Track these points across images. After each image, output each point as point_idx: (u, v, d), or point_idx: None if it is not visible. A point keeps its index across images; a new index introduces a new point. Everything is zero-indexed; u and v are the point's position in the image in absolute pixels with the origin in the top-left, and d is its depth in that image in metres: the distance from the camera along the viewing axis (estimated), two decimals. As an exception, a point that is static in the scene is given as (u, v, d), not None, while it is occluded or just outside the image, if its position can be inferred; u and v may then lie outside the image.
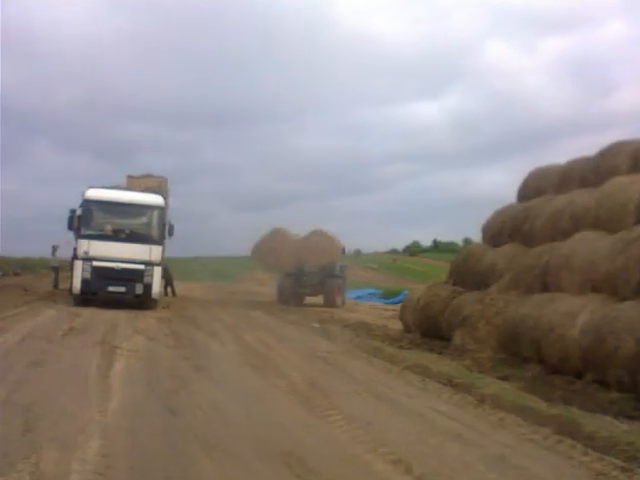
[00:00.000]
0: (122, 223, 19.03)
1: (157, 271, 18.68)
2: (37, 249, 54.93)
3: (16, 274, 37.97)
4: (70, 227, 18.73)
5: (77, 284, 18.15)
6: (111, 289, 18.27)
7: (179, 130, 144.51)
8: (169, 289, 26.00)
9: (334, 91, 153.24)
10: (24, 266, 43.14)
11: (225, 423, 6.09)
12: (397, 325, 15.85)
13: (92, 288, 18.15)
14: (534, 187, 13.55)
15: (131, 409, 6.43)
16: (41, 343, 10.46)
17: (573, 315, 9.05)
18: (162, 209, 19.39)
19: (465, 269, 13.99)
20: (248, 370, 9.24)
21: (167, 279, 25.25)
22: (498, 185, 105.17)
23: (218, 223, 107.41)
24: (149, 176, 23.54)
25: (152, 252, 18.61)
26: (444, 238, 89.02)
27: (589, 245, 9.89)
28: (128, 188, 21.14)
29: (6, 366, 8.29)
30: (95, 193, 18.84)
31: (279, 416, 6.54)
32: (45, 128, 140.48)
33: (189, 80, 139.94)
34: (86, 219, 18.50)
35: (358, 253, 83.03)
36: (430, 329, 13.34)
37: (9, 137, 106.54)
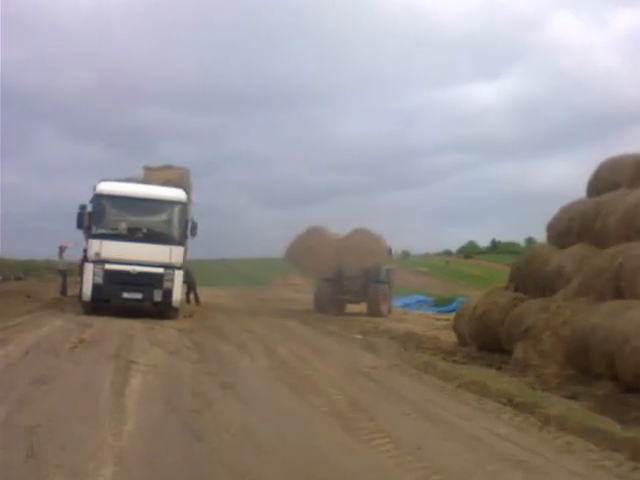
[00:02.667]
0: (138, 221, 19.25)
1: (178, 275, 18.89)
2: (42, 250, 55.74)
3: (18, 278, 38.72)
4: (79, 225, 18.96)
5: (87, 290, 18.41)
6: (126, 295, 18.50)
7: (202, 115, 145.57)
8: (192, 296, 26.24)
9: (378, 71, 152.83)
10: (27, 269, 43.92)
11: (255, 448, 6.15)
12: (450, 337, 15.77)
13: (104, 294, 18.40)
14: (606, 180, 13.35)
15: (149, 432, 6.53)
16: (47, 357, 10.64)
17: (651, 325, 8.92)
18: (184, 205, 19.56)
19: (528, 273, 13.86)
20: (281, 388, 9.31)
21: (189, 284, 25.50)
22: (565, 178, 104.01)
23: (248, 220, 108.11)
24: (169, 167, 23.77)
25: (172, 254, 18.80)
26: (504, 238, 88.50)
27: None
28: (145, 181, 21.33)
29: (7, 383, 8.42)
30: (108, 187, 19.08)
31: (316, 440, 6.59)
32: (50, 113, 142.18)
33: (213, 59, 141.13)
34: (98, 216, 18.76)
35: (406, 255, 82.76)
36: (488, 341, 13.26)
37: (10, 123, 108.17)
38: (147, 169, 23.41)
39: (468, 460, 6.03)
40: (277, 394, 8.90)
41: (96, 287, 18.30)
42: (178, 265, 18.98)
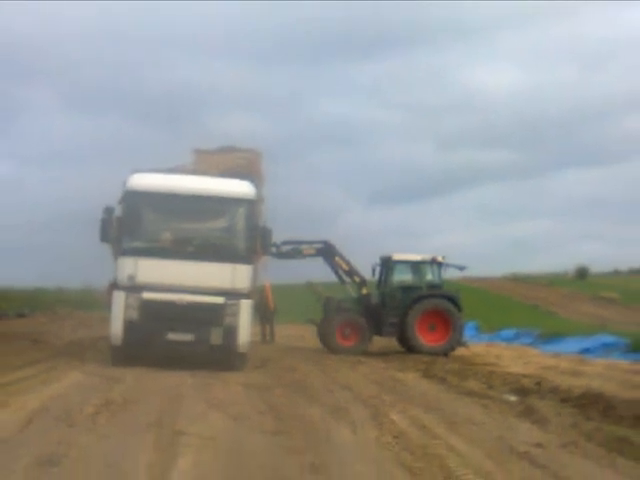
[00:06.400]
0: (188, 229, 19.64)
1: (245, 307, 19.00)
2: (53, 274, 57.09)
3: (20, 315, 39.90)
4: (105, 237, 19.25)
5: (117, 330, 18.63)
6: (172, 337, 18.67)
7: (277, 70, 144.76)
8: (267, 328, 26.88)
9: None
10: (34, 303, 45.22)
11: None
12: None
13: (141, 336, 18.55)
14: None
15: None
16: (58, 427, 10.80)
17: None
18: (252, 204, 19.70)
19: None
20: (398, 474, 9.21)
21: (263, 313, 26.16)
22: None
23: (344, 225, 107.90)
24: (230, 150, 23.97)
25: (237, 275, 18.95)
26: None
27: None
28: (196, 170, 21.53)
29: (2, 465, 8.56)
30: (143, 181, 19.37)
31: None
32: (51, 72, 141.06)
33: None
34: (130, 223, 19.04)
35: (583, 273, 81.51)
36: None
37: None
38: (199, 153, 23.66)
39: None
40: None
41: (130, 325, 18.53)
42: (245, 292, 19.11)
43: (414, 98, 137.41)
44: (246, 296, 19.10)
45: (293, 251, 26.99)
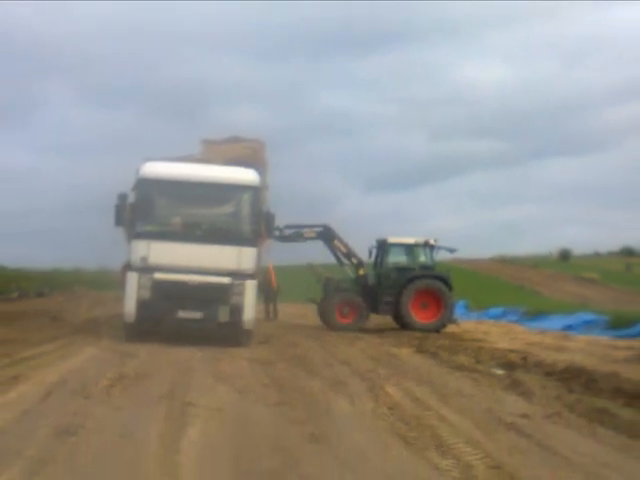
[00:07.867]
0: (196, 214, 19.56)
1: (250, 287, 18.99)
2: (70, 256, 57.22)
3: (39, 295, 39.92)
4: (119, 222, 19.31)
5: (131, 308, 18.63)
6: (182, 315, 18.66)
7: (278, 65, 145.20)
8: (271, 307, 27.09)
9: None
10: (52, 282, 45.20)
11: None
12: (636, 373, 15.35)
13: (154, 314, 18.55)
14: None
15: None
16: (74, 399, 10.80)
17: None
18: (256, 190, 19.68)
19: None
20: (393, 442, 9.18)
21: (267, 293, 26.34)
22: None
23: (343, 210, 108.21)
24: (236, 140, 23.92)
25: (242, 257, 18.93)
26: None
27: None
28: (204, 159, 21.50)
29: (22, 435, 8.56)
30: (155, 169, 19.35)
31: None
32: (67, 68, 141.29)
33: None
34: (143, 209, 19.00)
35: (566, 255, 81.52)
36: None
37: (13, 83, 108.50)
38: (206, 143, 23.62)
39: None
40: (388, 452, 8.77)
41: (142, 304, 18.50)
42: (250, 272, 19.10)
43: (408, 92, 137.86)
44: (251, 276, 19.09)
45: (295, 234, 27.14)
